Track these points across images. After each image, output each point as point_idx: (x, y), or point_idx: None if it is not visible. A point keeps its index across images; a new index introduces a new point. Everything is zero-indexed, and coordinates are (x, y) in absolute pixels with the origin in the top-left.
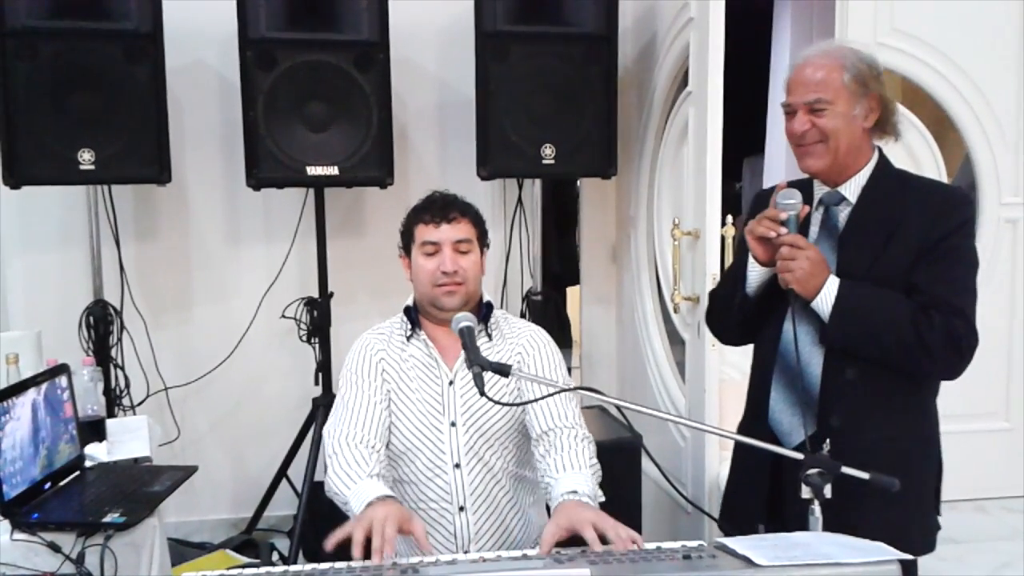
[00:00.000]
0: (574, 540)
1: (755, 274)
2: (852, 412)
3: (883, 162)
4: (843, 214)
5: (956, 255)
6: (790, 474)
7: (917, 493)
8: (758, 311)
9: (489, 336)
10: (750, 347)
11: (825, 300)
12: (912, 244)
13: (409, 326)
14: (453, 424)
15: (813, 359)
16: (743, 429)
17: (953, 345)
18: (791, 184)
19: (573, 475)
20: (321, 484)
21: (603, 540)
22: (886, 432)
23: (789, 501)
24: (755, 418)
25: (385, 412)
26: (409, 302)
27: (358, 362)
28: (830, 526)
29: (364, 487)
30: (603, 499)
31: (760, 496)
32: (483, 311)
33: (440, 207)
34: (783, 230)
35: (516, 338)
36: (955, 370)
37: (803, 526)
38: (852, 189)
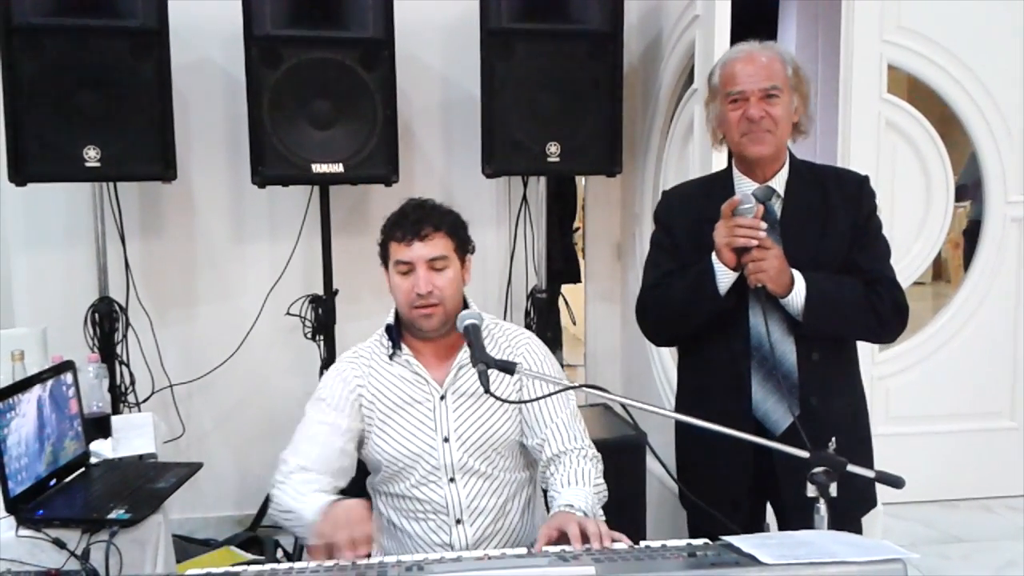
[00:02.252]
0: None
1: (728, 279)
2: (823, 390)
3: (792, 155)
4: (776, 207)
5: (878, 231)
6: (784, 463)
7: (869, 448)
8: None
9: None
10: None
11: (798, 294)
12: (846, 227)
13: (390, 344)
14: (446, 439)
15: (787, 347)
16: (723, 424)
17: (898, 313)
18: (702, 181)
19: (574, 490)
20: None
21: (586, 539)
22: (846, 401)
23: (785, 486)
24: (735, 412)
25: (348, 446)
26: (390, 319)
27: (330, 389)
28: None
29: (314, 499)
30: (603, 518)
31: (743, 486)
32: None
33: (412, 223)
34: (763, 234)
35: (513, 348)
36: (898, 332)
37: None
38: (779, 183)
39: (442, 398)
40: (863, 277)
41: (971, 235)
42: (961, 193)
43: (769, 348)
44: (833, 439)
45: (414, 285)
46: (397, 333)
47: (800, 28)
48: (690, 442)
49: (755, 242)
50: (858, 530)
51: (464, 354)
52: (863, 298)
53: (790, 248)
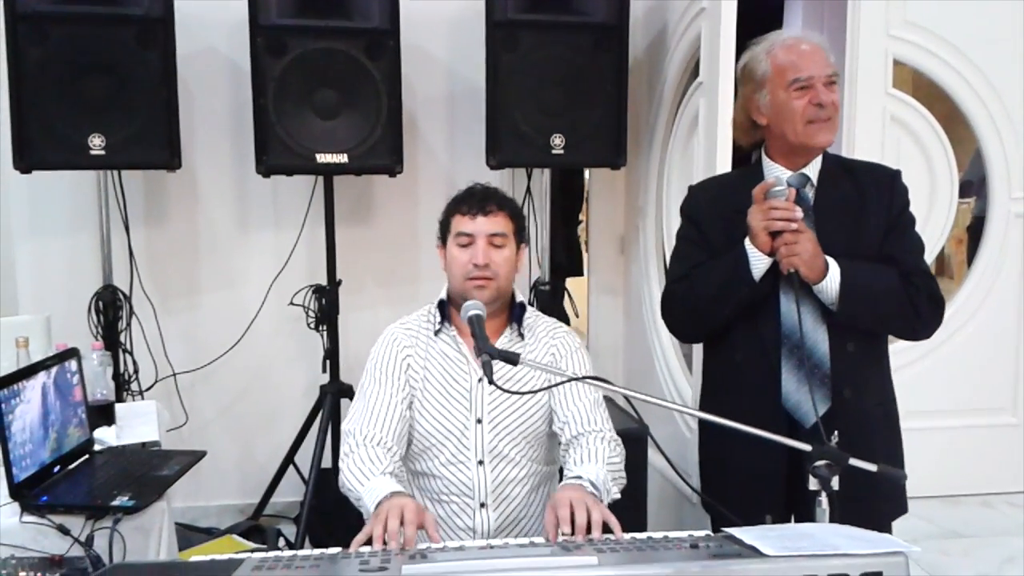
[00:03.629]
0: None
1: (762, 265)
2: (857, 383)
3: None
4: (809, 195)
5: (911, 225)
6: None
7: (901, 448)
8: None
9: (522, 336)
10: None
11: (832, 280)
12: (880, 219)
13: (439, 319)
14: (479, 421)
15: (819, 336)
16: (752, 415)
17: (935, 305)
18: (732, 175)
19: (585, 466)
20: (328, 471)
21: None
22: (880, 396)
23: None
24: (765, 403)
25: (406, 412)
26: (443, 295)
27: (384, 357)
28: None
29: (377, 483)
30: (616, 496)
31: (779, 482)
32: (516, 311)
33: (478, 199)
34: (799, 214)
35: (550, 338)
36: (935, 327)
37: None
38: (812, 172)
39: (480, 380)
40: (898, 269)
41: (976, 231)
42: (966, 189)
43: (800, 337)
44: (836, 432)
45: (472, 257)
46: (448, 309)
47: (806, 21)
48: (716, 435)
49: (794, 225)
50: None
51: (505, 339)
52: (900, 289)
53: (824, 237)
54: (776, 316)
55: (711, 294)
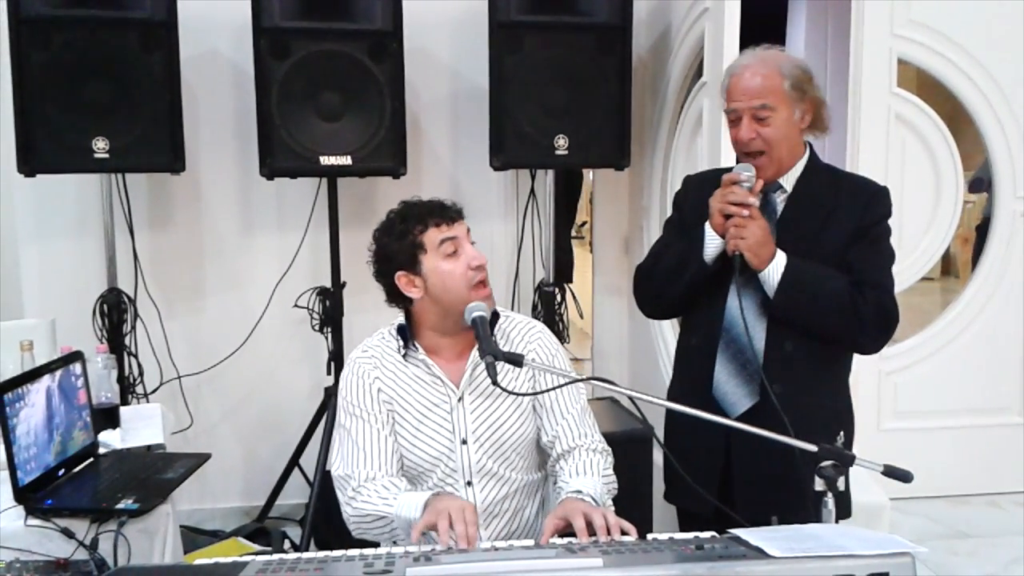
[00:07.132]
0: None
1: (715, 245)
2: (792, 381)
3: (813, 156)
4: (780, 200)
5: (883, 240)
6: (740, 449)
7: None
8: (704, 285)
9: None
10: None
11: (775, 270)
12: (846, 228)
13: (402, 344)
14: (464, 442)
15: (756, 331)
16: (681, 400)
17: (883, 319)
18: (722, 169)
19: (581, 479)
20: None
21: (592, 531)
22: (819, 399)
23: (737, 475)
24: (696, 390)
25: (394, 441)
26: (401, 320)
27: (355, 392)
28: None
29: (409, 497)
30: (611, 508)
31: (714, 472)
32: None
33: (440, 207)
34: (753, 200)
35: (524, 341)
36: (880, 343)
37: (759, 502)
38: (788, 180)
39: (460, 400)
40: (854, 277)
41: (985, 231)
42: (977, 186)
43: (741, 329)
44: (841, 433)
45: (468, 260)
46: (409, 332)
47: (810, 20)
48: (671, 426)
49: (745, 212)
50: None
51: (477, 353)
52: (845, 295)
53: (786, 239)
54: (722, 308)
55: (669, 269)
